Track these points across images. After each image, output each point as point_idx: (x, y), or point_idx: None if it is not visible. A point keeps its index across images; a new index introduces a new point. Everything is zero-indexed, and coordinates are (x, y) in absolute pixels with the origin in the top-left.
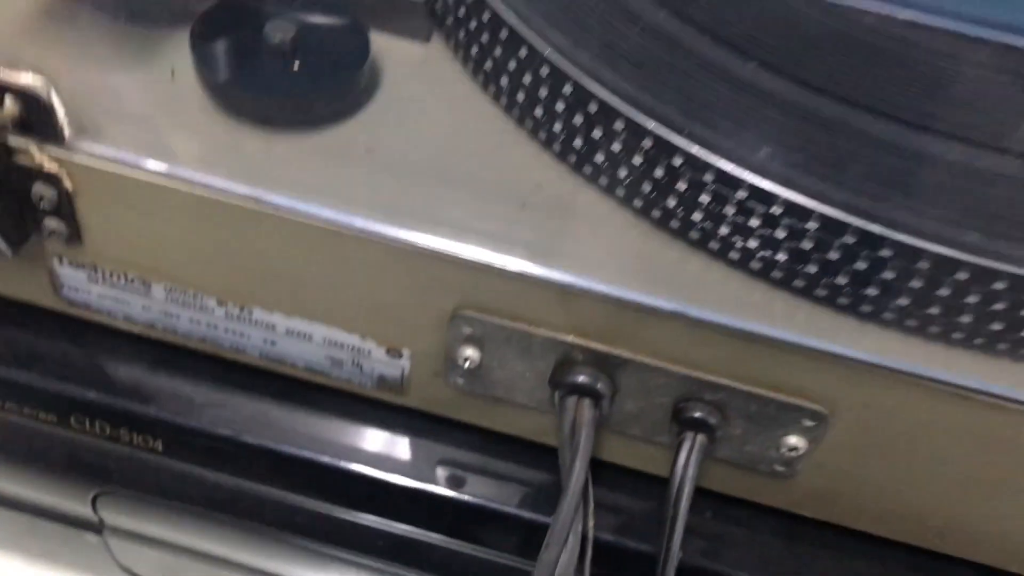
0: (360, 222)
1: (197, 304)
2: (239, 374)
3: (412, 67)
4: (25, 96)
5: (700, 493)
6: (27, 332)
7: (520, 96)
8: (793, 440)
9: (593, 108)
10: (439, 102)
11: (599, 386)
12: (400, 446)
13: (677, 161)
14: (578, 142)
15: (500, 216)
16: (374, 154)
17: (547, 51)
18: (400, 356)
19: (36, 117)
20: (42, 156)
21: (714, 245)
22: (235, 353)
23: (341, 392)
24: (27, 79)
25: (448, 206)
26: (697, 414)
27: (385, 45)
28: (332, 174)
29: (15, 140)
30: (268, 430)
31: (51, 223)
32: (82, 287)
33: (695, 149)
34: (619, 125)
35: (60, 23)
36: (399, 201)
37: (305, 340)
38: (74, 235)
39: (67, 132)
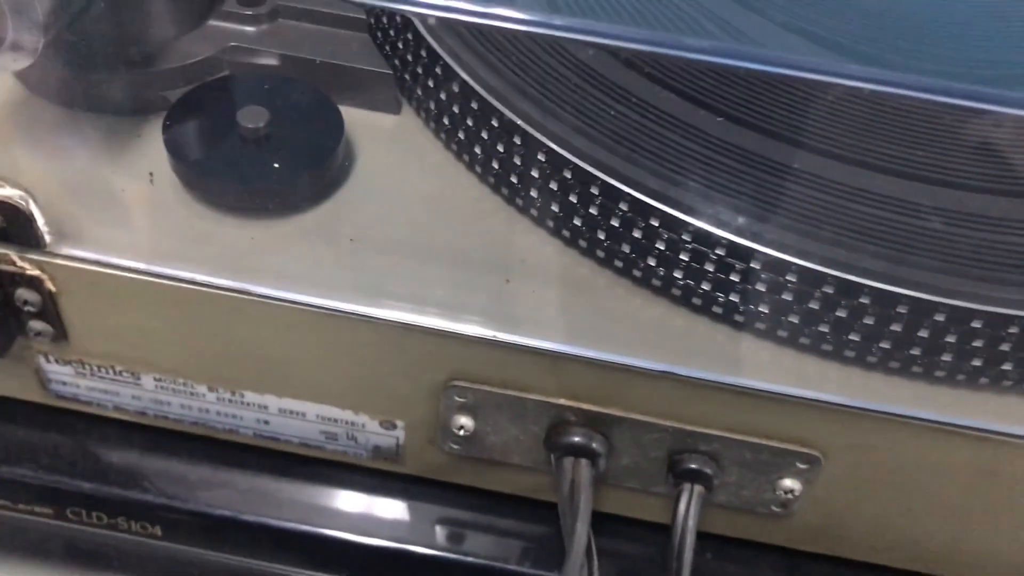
0: (347, 305)
1: (187, 391)
2: (233, 452)
3: (385, 140)
4: (4, 208)
5: (699, 536)
6: (15, 427)
7: (495, 164)
8: (788, 483)
9: (568, 174)
10: (415, 174)
11: (594, 445)
12: (398, 511)
13: (654, 222)
14: (555, 207)
15: (485, 289)
16: (354, 233)
17: (518, 120)
18: (394, 427)
19: (15, 226)
20: (23, 262)
21: (696, 301)
22: (228, 434)
23: (337, 463)
24: (5, 192)
25: (433, 282)
26: (693, 465)
27: (356, 118)
28: (315, 257)
29: None
30: (265, 506)
31: (36, 325)
32: (70, 381)
33: (671, 210)
34: (595, 190)
35: (24, 121)
36: (384, 280)
37: (298, 418)
38: (60, 334)
39: (47, 238)
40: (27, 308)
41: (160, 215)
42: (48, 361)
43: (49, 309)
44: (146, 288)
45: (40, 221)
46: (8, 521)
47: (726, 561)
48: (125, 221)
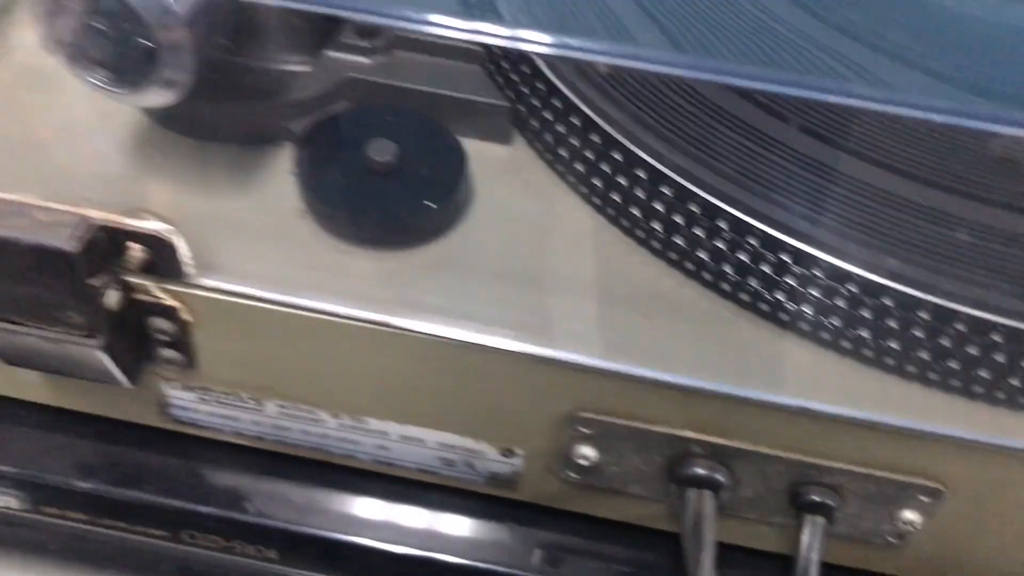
0: (478, 337)
1: (310, 417)
2: (343, 476)
3: (501, 172)
4: (151, 241)
5: None
6: (132, 450)
7: (616, 196)
8: (909, 515)
9: (695, 208)
10: (534, 206)
11: (718, 477)
12: (510, 536)
13: (785, 257)
14: (679, 240)
15: (609, 321)
16: (481, 264)
17: (643, 154)
18: (513, 455)
19: (159, 259)
20: (162, 293)
21: (825, 335)
22: (345, 459)
23: (448, 488)
24: (154, 226)
25: (559, 313)
26: (815, 497)
27: (471, 149)
28: (445, 289)
29: (134, 280)
30: (375, 530)
31: (167, 353)
32: (191, 407)
33: (800, 244)
34: (722, 224)
35: (155, 154)
36: (512, 312)
37: (418, 444)
38: (189, 362)
39: (189, 270)
40: (160, 336)
41: (292, 247)
42: (172, 387)
43: (181, 338)
44: (280, 319)
45: (184, 252)
46: (123, 543)
47: None
48: (261, 254)
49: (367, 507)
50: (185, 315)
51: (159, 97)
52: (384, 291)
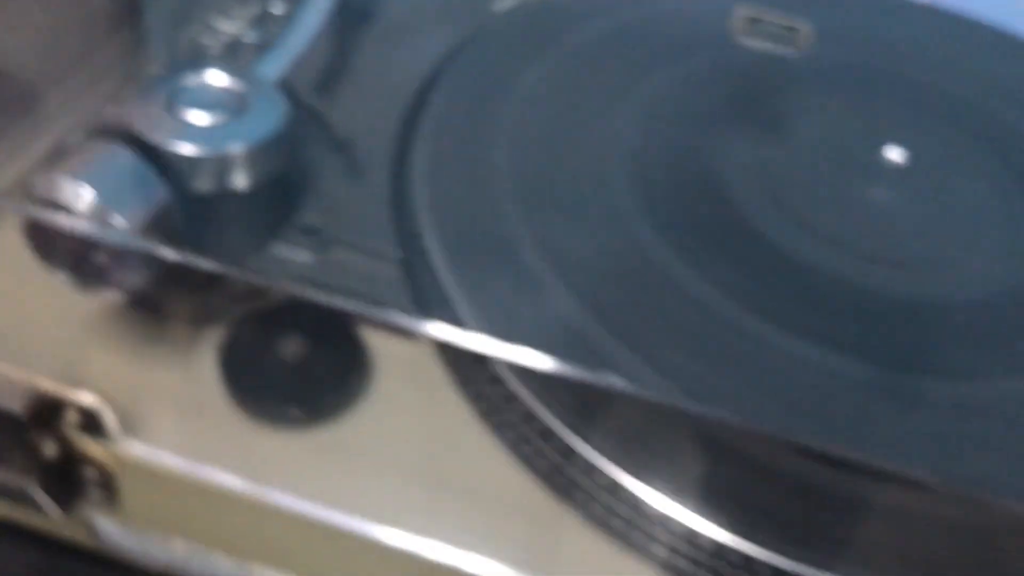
0: (358, 524)
1: (208, 557)
2: None
3: (401, 367)
4: (84, 409)
5: None
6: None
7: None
8: None
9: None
10: (425, 406)
11: None
12: None
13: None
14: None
15: (481, 528)
16: (366, 453)
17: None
18: None
19: (91, 422)
20: (93, 447)
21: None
22: None
23: None
24: (88, 399)
25: (437, 516)
26: None
27: (375, 340)
28: (330, 473)
29: (73, 435)
30: None
31: (94, 493)
32: (115, 536)
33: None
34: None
35: (106, 327)
36: (391, 504)
37: None
38: (113, 502)
39: (115, 434)
40: (89, 479)
41: (209, 423)
42: (101, 519)
43: (108, 483)
44: (185, 482)
45: (112, 422)
46: None
47: None
48: (179, 425)
49: None
50: (111, 466)
51: (114, 296)
52: (271, 467)
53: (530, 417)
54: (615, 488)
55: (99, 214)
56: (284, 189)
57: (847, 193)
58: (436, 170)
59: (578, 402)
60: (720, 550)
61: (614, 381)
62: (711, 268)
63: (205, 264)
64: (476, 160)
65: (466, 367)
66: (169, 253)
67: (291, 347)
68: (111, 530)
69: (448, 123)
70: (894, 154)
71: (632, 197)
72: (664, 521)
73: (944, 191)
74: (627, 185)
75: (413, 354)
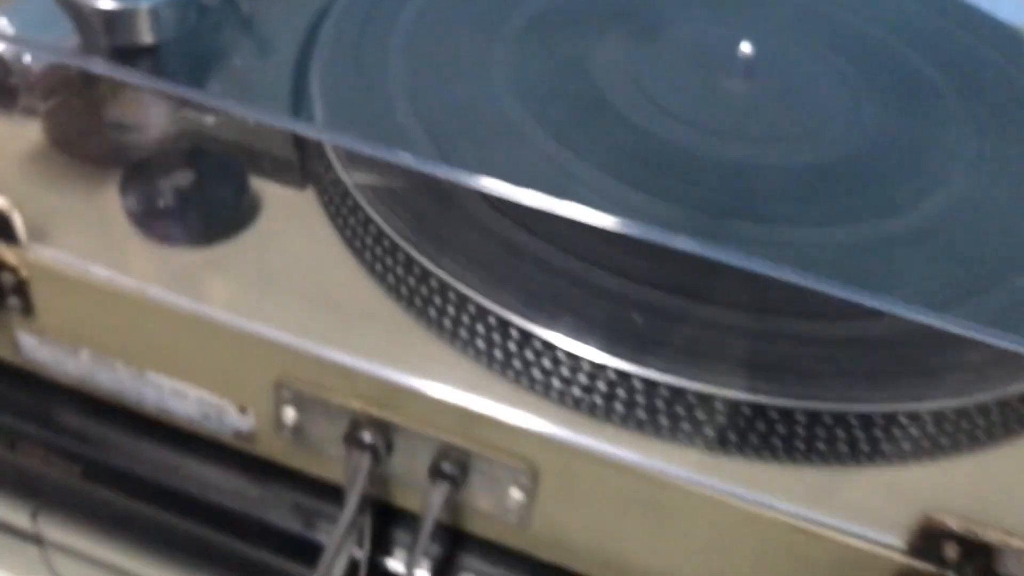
0: (221, 315)
1: (110, 366)
2: (139, 420)
3: (286, 207)
4: None
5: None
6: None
7: (363, 250)
8: (514, 493)
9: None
10: (301, 235)
11: (376, 443)
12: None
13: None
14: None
15: (320, 320)
16: (249, 272)
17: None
18: (247, 414)
19: (3, 227)
20: (7, 253)
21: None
22: (138, 406)
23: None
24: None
25: (283, 310)
26: (446, 469)
27: (268, 189)
28: (213, 281)
29: None
30: (155, 468)
31: (12, 301)
32: (34, 349)
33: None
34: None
35: (36, 164)
36: (250, 300)
37: (183, 398)
38: (28, 310)
39: (23, 238)
40: (6, 287)
41: (110, 239)
42: (21, 331)
43: (22, 290)
44: (83, 286)
45: (19, 225)
46: None
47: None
48: (83, 239)
49: (153, 451)
50: (23, 272)
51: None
52: (165, 276)
53: (381, 236)
54: (444, 289)
55: (13, 46)
56: (194, 60)
57: (706, 84)
58: (334, 53)
59: (417, 219)
60: (527, 337)
61: (407, 157)
62: (567, 135)
63: (128, 76)
64: (370, 49)
65: (335, 203)
66: (95, 64)
67: (185, 179)
68: (29, 342)
69: (350, 16)
70: (748, 50)
71: (508, 82)
72: (484, 314)
73: (793, 83)
74: (505, 75)
75: (296, 197)
